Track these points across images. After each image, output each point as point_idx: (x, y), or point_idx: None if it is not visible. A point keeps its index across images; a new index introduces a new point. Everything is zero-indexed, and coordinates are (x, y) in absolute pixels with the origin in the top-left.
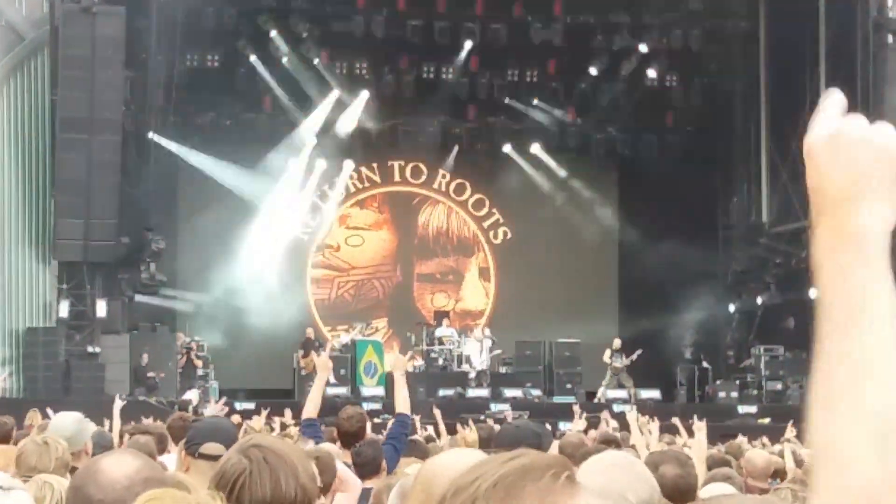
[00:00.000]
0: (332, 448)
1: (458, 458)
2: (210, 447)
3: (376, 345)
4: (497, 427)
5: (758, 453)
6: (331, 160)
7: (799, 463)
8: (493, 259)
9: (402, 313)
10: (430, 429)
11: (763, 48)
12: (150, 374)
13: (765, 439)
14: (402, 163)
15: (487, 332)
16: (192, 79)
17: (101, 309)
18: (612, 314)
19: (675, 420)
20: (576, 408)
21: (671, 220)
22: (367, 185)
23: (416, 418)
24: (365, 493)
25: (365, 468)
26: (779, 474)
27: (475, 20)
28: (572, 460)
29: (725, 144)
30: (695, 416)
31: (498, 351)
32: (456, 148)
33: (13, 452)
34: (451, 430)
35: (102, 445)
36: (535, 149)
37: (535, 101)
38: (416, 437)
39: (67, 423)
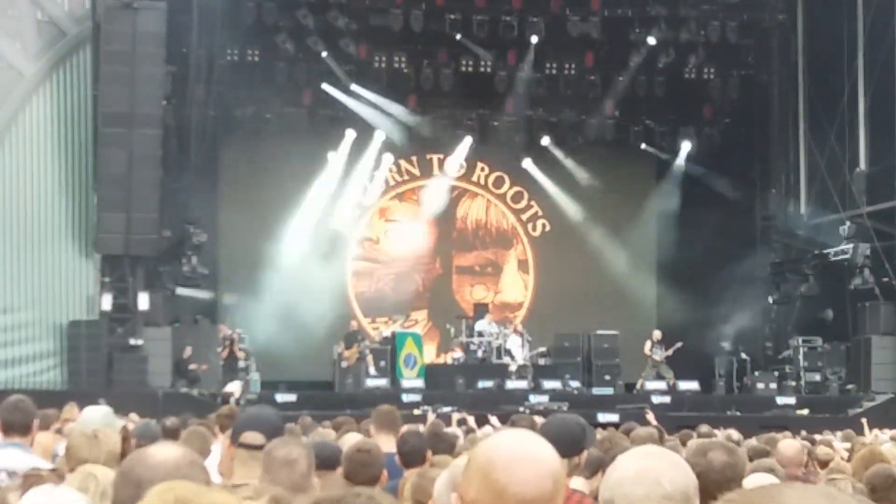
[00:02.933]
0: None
1: (513, 441)
2: (249, 436)
3: (416, 337)
4: (537, 418)
5: (788, 443)
6: (371, 153)
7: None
8: (532, 251)
9: (441, 305)
10: (472, 420)
11: (800, 40)
12: (192, 367)
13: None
14: (442, 156)
15: (520, 328)
16: (232, 73)
17: (144, 302)
18: (650, 306)
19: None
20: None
21: (709, 212)
22: (406, 178)
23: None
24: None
25: (410, 457)
26: (821, 465)
27: (513, 14)
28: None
29: (763, 136)
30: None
31: (542, 348)
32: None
33: (51, 441)
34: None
35: (148, 437)
36: (574, 141)
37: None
38: (446, 429)
39: (96, 418)
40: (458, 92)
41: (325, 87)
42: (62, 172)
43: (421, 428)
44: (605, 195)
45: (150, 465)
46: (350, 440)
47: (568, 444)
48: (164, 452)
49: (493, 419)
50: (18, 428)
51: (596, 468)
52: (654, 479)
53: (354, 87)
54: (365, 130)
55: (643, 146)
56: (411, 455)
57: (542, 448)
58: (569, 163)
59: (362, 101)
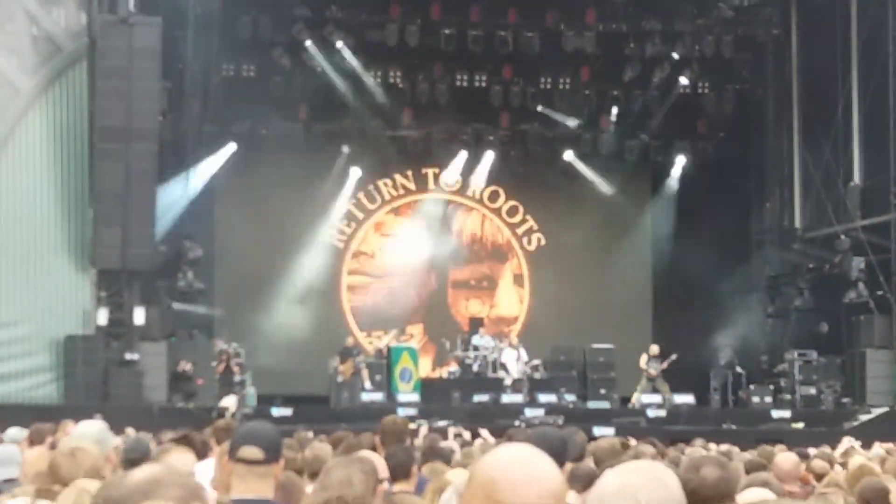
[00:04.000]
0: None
1: (515, 459)
2: (247, 451)
3: (411, 351)
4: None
5: (785, 457)
6: (365, 168)
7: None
8: (527, 265)
9: (437, 320)
10: (467, 434)
11: (795, 55)
12: (185, 370)
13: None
14: (437, 170)
15: (515, 341)
16: (228, 88)
17: (140, 316)
18: (645, 320)
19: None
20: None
21: (704, 226)
22: (401, 192)
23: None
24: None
25: (395, 471)
26: (816, 478)
27: (508, 28)
28: (602, 465)
29: (758, 150)
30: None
31: (536, 361)
32: (489, 155)
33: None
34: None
35: (140, 451)
36: (569, 156)
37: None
38: (444, 442)
39: (89, 434)
40: (453, 106)
41: (320, 101)
42: (58, 187)
43: (416, 442)
44: (600, 209)
45: (127, 485)
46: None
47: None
48: (142, 472)
49: (485, 432)
50: None
51: (588, 482)
52: (632, 496)
53: (350, 100)
54: (360, 145)
55: (638, 160)
56: (397, 469)
57: (545, 466)
58: (563, 177)
59: (358, 114)
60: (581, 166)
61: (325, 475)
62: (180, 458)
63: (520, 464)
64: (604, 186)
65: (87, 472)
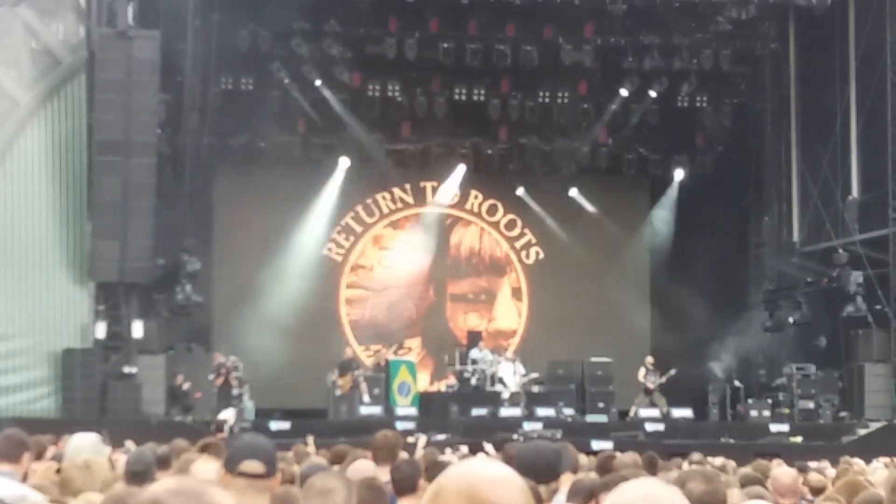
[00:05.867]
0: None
1: (481, 464)
2: (250, 465)
3: (410, 365)
4: None
5: (783, 471)
6: (364, 181)
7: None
8: (526, 279)
9: (435, 333)
10: (464, 448)
11: (793, 68)
12: (182, 384)
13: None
14: (435, 184)
15: (511, 355)
16: (226, 101)
17: (138, 329)
18: (644, 333)
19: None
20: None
21: (702, 240)
22: (400, 205)
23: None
24: None
25: (402, 484)
26: (816, 492)
27: (506, 42)
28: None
29: (756, 164)
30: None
31: (534, 374)
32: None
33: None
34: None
35: (142, 465)
36: (567, 169)
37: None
38: (443, 457)
39: (84, 446)
40: (451, 120)
41: (318, 115)
42: (57, 200)
43: (412, 455)
44: (598, 223)
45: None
46: (358, 468)
47: (543, 470)
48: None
49: (488, 446)
50: (7, 456)
51: (588, 495)
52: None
53: (348, 115)
54: (359, 158)
55: (636, 174)
56: (403, 483)
57: (511, 471)
58: (562, 190)
59: (356, 129)
60: (579, 180)
61: (306, 487)
62: (205, 466)
63: (491, 467)
64: (602, 200)
65: (101, 485)
